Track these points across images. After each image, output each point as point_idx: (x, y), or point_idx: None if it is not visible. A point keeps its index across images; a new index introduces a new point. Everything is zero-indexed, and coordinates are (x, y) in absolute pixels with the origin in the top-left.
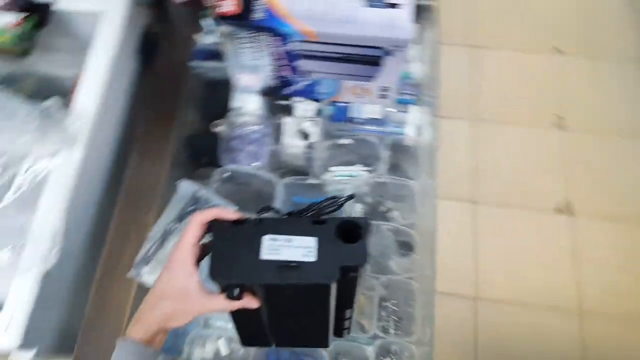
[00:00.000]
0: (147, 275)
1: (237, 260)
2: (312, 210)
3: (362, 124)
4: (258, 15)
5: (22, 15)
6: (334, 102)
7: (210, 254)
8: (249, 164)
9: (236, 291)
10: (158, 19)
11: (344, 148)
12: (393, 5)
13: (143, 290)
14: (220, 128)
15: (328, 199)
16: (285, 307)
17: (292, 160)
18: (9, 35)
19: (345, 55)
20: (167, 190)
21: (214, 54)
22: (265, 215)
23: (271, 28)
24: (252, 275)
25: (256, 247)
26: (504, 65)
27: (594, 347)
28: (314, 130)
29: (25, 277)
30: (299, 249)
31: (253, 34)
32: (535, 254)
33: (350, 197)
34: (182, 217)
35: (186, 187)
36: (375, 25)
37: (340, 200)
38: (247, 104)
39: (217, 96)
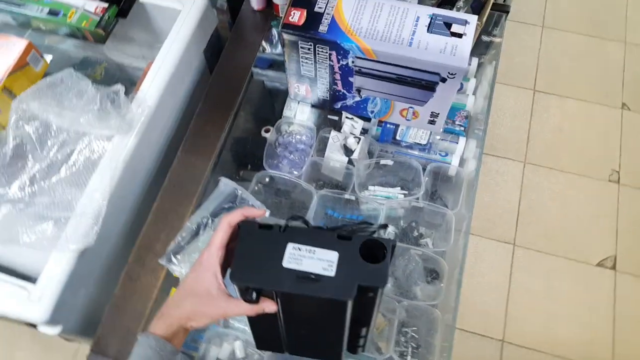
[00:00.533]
0: (177, 263)
1: (259, 265)
2: (342, 230)
3: (407, 147)
4: (322, 27)
5: (105, 4)
6: (382, 122)
7: (235, 255)
8: (289, 171)
9: (254, 295)
10: (228, 23)
11: (385, 168)
12: (455, 35)
13: (170, 279)
14: (268, 134)
15: (361, 222)
16: (301, 316)
17: (331, 174)
18: (90, 21)
19: (400, 77)
20: (208, 185)
21: (275, 63)
22: (294, 224)
23: (333, 41)
24: (271, 282)
25: (279, 253)
26: (567, 112)
27: None
28: (358, 147)
29: (63, 253)
30: (320, 261)
31: (315, 46)
32: (572, 305)
33: (384, 226)
34: (217, 212)
35: (226, 184)
36: (434, 50)
37: (373, 228)
38: (298, 114)
39: (271, 103)
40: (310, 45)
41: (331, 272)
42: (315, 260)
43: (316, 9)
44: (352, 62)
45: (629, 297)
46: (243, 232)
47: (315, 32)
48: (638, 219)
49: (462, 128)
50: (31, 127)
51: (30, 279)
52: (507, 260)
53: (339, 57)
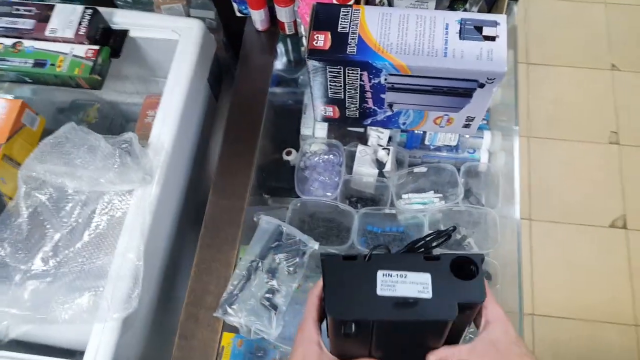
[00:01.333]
0: (234, 314)
1: (354, 296)
2: (419, 245)
3: (435, 150)
4: (351, 49)
5: (95, 46)
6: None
7: (325, 290)
8: (323, 194)
9: (353, 327)
10: (223, 43)
11: (417, 175)
12: (489, 38)
13: (232, 330)
14: (290, 157)
15: (431, 233)
16: (395, 341)
17: (362, 188)
18: (82, 67)
19: (435, 88)
20: (246, 223)
21: (282, 81)
22: (376, 252)
23: (365, 62)
24: (371, 311)
25: (371, 282)
26: (562, 81)
27: None
28: (389, 159)
29: (106, 324)
30: (414, 284)
31: (344, 68)
32: (591, 268)
33: (453, 228)
34: (265, 253)
35: (268, 222)
36: (471, 58)
37: (445, 232)
38: (317, 131)
39: (284, 122)
40: (340, 68)
41: (428, 294)
42: (408, 285)
43: (340, 30)
44: (385, 79)
45: None
46: (327, 266)
47: (344, 55)
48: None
49: (485, 121)
50: (44, 195)
51: (73, 353)
52: (526, 236)
53: (371, 77)
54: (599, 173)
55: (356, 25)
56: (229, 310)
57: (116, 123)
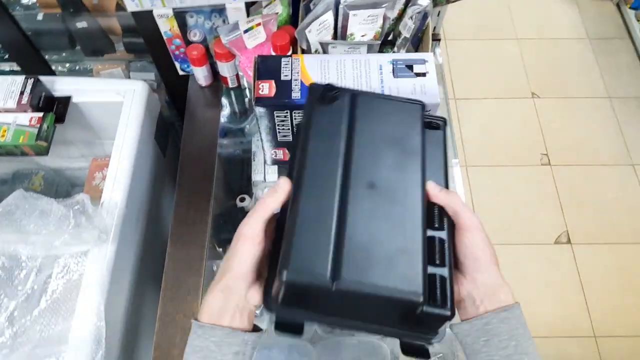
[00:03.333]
0: None
1: None
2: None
3: None
4: (295, 94)
5: (39, 113)
6: None
7: None
8: None
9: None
10: (166, 102)
11: None
12: (420, 74)
13: None
14: (245, 203)
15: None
16: None
17: None
18: (27, 135)
19: None
20: (207, 272)
21: (228, 132)
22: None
23: None
24: None
25: None
26: (488, 112)
27: None
28: None
29: None
30: None
31: (291, 112)
32: (543, 286)
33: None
34: None
35: None
36: (406, 93)
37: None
38: (268, 176)
39: (234, 170)
40: (287, 112)
41: None
42: None
43: (282, 78)
44: None
45: (589, 265)
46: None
47: (290, 100)
48: (576, 192)
49: None
50: None
51: None
52: None
53: None
54: (537, 193)
55: (297, 73)
56: None
57: (62, 189)
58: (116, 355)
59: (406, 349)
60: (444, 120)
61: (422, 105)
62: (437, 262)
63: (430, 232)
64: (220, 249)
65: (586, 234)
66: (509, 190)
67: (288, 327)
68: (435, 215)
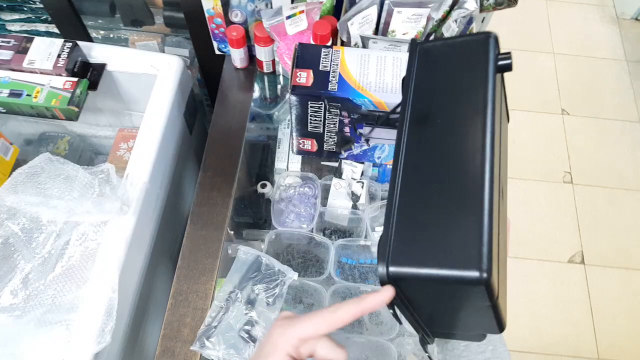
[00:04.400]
0: (212, 347)
1: None
2: None
3: None
4: (332, 86)
5: (74, 78)
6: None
7: None
8: (299, 226)
9: None
10: (197, 80)
11: None
12: None
13: None
14: (266, 189)
15: None
16: None
17: (335, 220)
18: (60, 98)
19: None
20: (224, 255)
21: (256, 116)
22: None
23: (345, 99)
24: None
25: None
26: (516, 124)
27: None
28: (364, 192)
29: (78, 358)
30: None
31: (326, 104)
32: (552, 303)
33: None
34: (244, 284)
35: (246, 253)
36: None
37: None
38: (291, 165)
39: (258, 156)
40: (321, 103)
41: None
42: None
43: (321, 68)
44: (364, 116)
45: (601, 287)
46: None
47: (326, 91)
48: (595, 214)
49: None
50: (17, 225)
51: None
52: None
53: (350, 112)
54: (556, 210)
55: (337, 65)
56: (207, 343)
57: (86, 156)
58: (124, 328)
59: None
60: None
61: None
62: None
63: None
64: (232, 232)
65: (601, 257)
66: (527, 204)
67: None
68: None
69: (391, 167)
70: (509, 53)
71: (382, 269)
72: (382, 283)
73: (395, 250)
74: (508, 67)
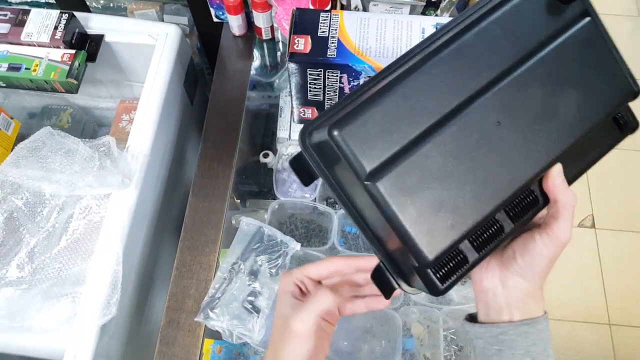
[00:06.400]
0: (216, 318)
1: None
2: None
3: None
4: (331, 52)
5: (71, 50)
6: None
7: None
8: (302, 195)
9: None
10: (197, 49)
11: None
12: None
13: (212, 335)
14: (268, 159)
15: None
16: None
17: None
18: (59, 71)
19: None
20: (226, 225)
21: (257, 84)
22: None
23: (345, 65)
24: None
25: None
26: None
27: (626, 358)
28: None
29: (83, 331)
30: None
31: (325, 71)
32: (563, 268)
33: None
34: (247, 255)
35: (248, 224)
36: None
37: None
38: (293, 133)
39: (259, 125)
40: (320, 71)
41: None
42: None
43: (320, 34)
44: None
45: (611, 251)
46: None
47: (324, 58)
48: (605, 177)
49: None
50: (21, 199)
51: None
52: None
53: (350, 79)
54: None
55: (335, 30)
56: (211, 314)
57: (89, 128)
58: (130, 300)
59: (377, 276)
60: None
61: None
62: (477, 243)
63: (499, 215)
64: (239, 201)
65: (612, 220)
66: None
67: (300, 169)
68: (527, 201)
69: None
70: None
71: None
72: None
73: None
74: None
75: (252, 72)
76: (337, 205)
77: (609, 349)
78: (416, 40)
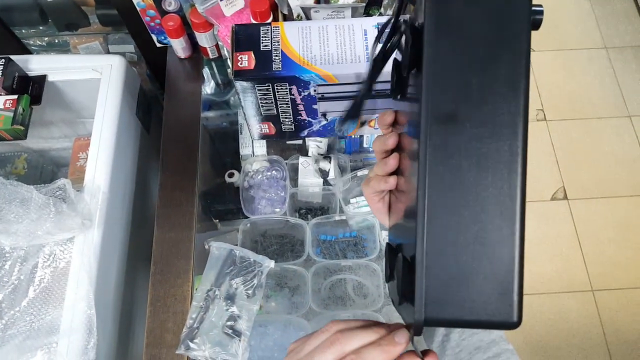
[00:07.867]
0: (197, 347)
1: None
2: None
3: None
4: (276, 65)
5: (13, 95)
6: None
7: None
8: (272, 210)
9: None
10: (147, 75)
11: (361, 178)
12: None
13: None
14: (234, 178)
15: None
16: None
17: (309, 199)
18: (2, 119)
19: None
20: (198, 251)
21: (212, 104)
22: None
23: (292, 77)
24: None
25: None
26: None
27: (611, 322)
28: (332, 167)
29: None
30: None
31: (273, 85)
32: (541, 242)
33: None
34: (221, 280)
35: (218, 248)
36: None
37: None
38: (256, 149)
39: (220, 145)
40: (268, 85)
41: None
42: None
43: (262, 48)
44: (315, 90)
45: (586, 220)
46: None
47: (270, 72)
48: (572, 147)
49: None
50: None
51: None
52: None
53: (300, 90)
54: (533, 150)
55: (278, 42)
56: (192, 345)
57: (47, 171)
58: (111, 342)
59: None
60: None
61: None
62: None
63: None
64: (217, 220)
65: (583, 189)
66: None
67: None
68: None
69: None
70: (541, 5)
71: (419, 316)
72: (414, 327)
73: (430, 293)
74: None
75: (205, 92)
76: (309, 216)
77: (595, 314)
78: (360, 43)
